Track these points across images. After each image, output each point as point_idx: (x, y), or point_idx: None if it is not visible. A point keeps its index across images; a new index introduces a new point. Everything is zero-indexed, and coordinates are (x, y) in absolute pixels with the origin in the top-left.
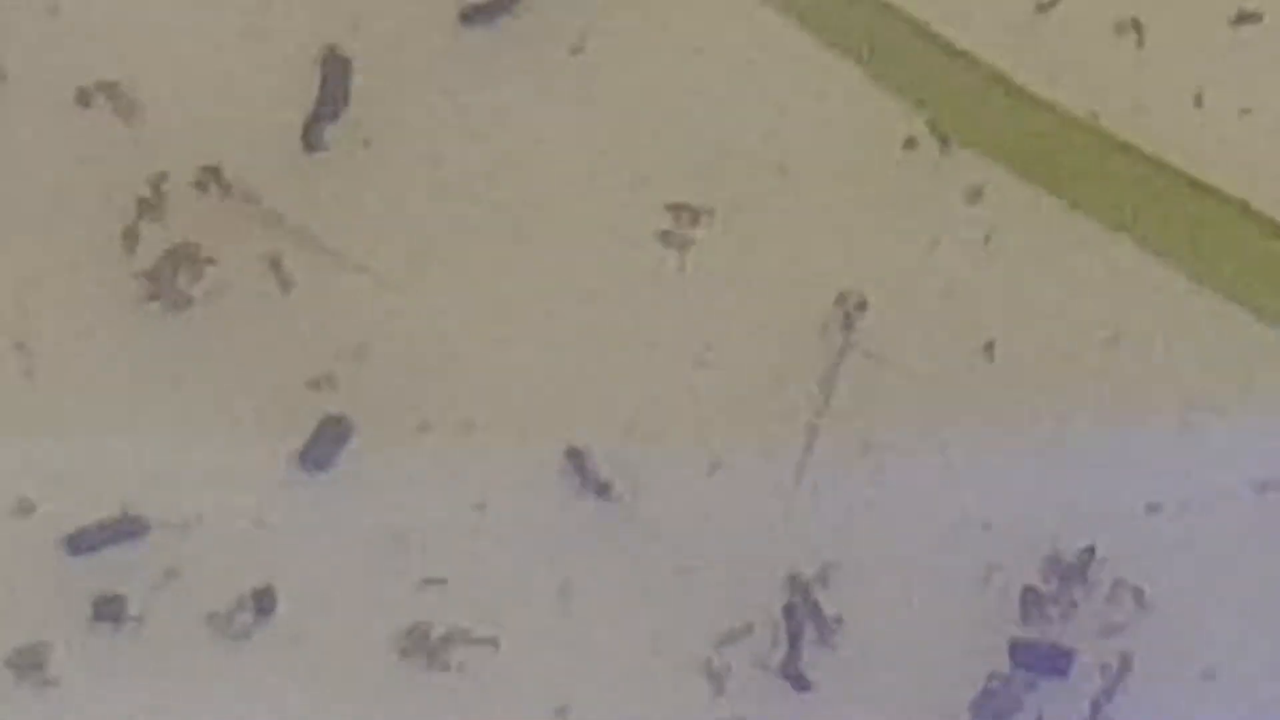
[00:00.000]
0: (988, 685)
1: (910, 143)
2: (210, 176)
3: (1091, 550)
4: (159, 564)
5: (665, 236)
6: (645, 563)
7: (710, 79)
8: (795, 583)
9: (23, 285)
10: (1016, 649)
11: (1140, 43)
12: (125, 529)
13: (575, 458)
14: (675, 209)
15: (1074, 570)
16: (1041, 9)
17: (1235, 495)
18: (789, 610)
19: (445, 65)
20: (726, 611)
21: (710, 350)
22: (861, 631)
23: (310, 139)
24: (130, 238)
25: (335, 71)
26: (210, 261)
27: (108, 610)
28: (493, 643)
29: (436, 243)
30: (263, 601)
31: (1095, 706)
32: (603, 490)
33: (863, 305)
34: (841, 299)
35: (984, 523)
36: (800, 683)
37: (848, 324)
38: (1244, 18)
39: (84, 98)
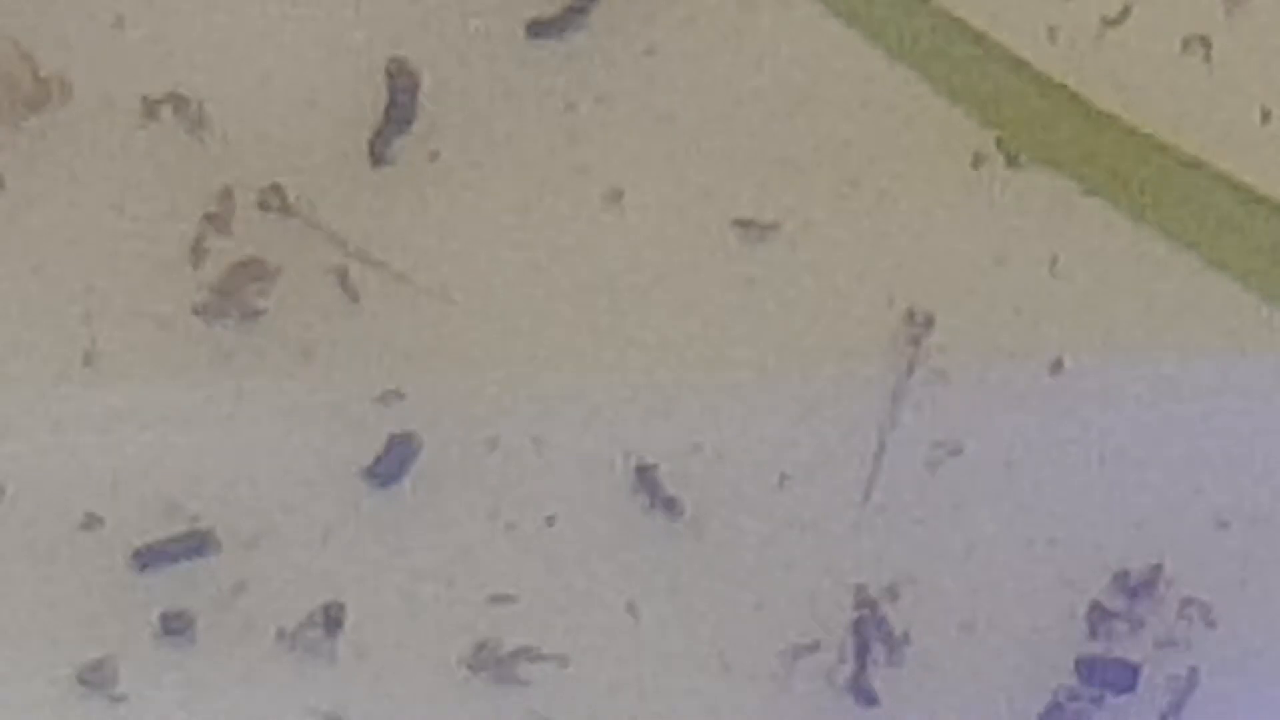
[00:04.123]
0: (1055, 700)
1: (978, 159)
2: (277, 190)
3: (1159, 566)
4: (227, 579)
5: (733, 251)
6: (713, 579)
7: (778, 94)
8: (863, 598)
9: (90, 298)
10: (1083, 665)
11: (1207, 59)
12: (193, 544)
13: (644, 474)
14: (743, 224)
15: (1141, 586)
16: (1109, 25)
17: None
18: (857, 626)
19: (512, 79)
20: (794, 627)
21: (778, 366)
22: (929, 647)
23: (377, 152)
24: (197, 251)
25: (403, 85)
26: (277, 276)
27: (175, 626)
28: (561, 659)
29: (505, 257)
30: (331, 617)
31: None
32: (671, 506)
33: (930, 321)
34: (909, 315)
35: (1051, 539)
36: (868, 698)
37: (915, 340)
38: None
39: (150, 111)
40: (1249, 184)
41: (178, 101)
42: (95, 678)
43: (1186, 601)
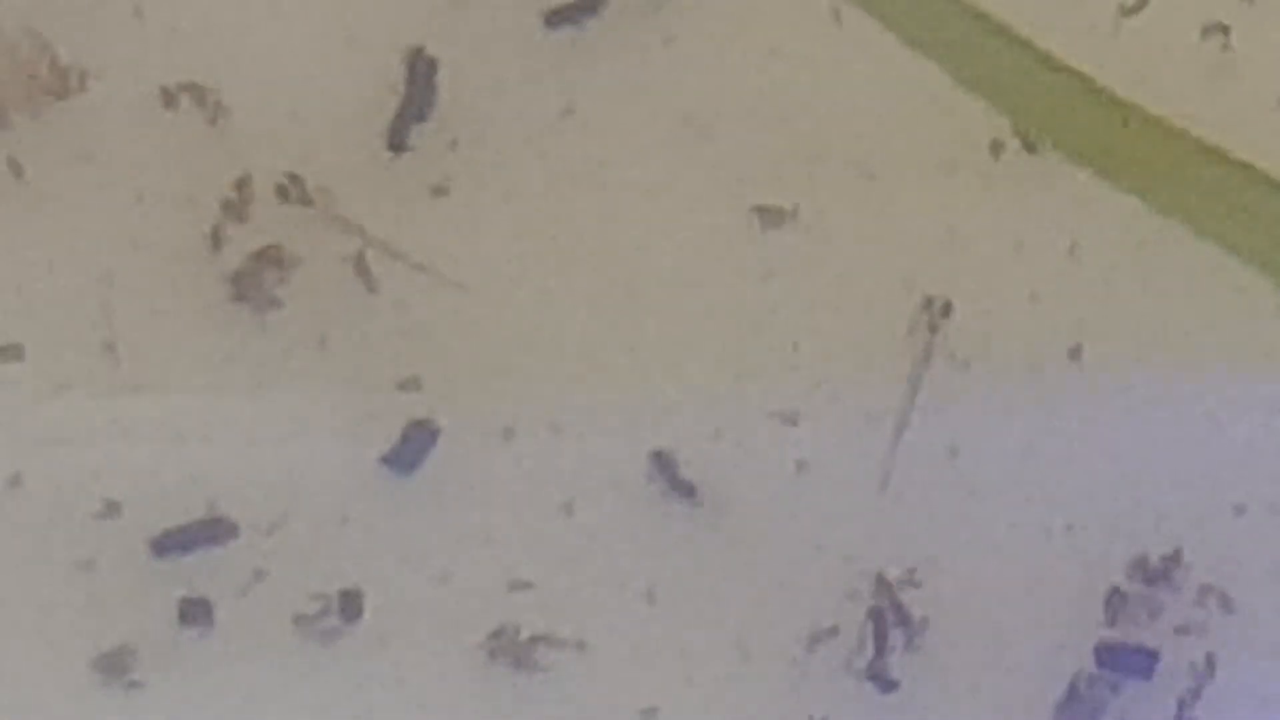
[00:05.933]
0: (1073, 686)
1: (996, 147)
2: (295, 179)
3: (1178, 553)
4: (245, 566)
5: (750, 238)
6: (731, 565)
7: (796, 81)
8: (881, 584)
9: (109, 287)
10: (1102, 650)
11: (1226, 46)
12: (212, 531)
13: (661, 460)
14: (760, 210)
15: (1160, 572)
16: (1127, 13)
17: None
18: (875, 612)
19: (529, 67)
20: (812, 613)
21: (795, 352)
22: (947, 633)
23: (395, 141)
24: (216, 240)
25: (422, 73)
26: (296, 264)
27: (194, 613)
28: (580, 645)
29: (522, 245)
30: (349, 604)
31: (1180, 708)
32: (689, 492)
33: (948, 308)
34: (927, 302)
35: (1069, 525)
36: (886, 684)
37: (933, 327)
38: None
39: (169, 100)
40: (1267, 172)
41: (196, 90)
42: (113, 665)
43: (1205, 588)
